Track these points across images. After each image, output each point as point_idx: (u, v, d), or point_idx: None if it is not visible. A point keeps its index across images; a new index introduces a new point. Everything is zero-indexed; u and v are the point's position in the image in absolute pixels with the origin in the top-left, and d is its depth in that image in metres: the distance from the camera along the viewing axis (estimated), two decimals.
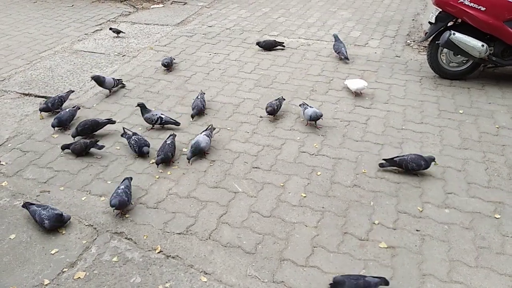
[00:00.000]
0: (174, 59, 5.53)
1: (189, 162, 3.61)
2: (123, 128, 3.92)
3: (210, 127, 3.87)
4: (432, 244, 2.78)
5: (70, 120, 4.17)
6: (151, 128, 4.15)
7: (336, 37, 5.71)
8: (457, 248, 2.75)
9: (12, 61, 5.78)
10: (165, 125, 4.15)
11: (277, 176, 3.45)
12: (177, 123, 4.14)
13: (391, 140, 3.88)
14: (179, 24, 7.23)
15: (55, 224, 2.89)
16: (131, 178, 3.26)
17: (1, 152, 3.82)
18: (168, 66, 5.33)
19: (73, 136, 3.90)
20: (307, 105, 4.16)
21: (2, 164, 3.64)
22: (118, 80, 4.87)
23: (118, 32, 6.57)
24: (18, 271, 2.64)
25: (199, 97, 4.41)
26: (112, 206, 2.94)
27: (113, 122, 4.10)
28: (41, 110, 4.34)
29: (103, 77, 4.68)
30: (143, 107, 4.14)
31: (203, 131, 3.79)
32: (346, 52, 5.52)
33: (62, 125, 4.10)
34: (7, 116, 4.43)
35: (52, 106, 4.35)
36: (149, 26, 7.12)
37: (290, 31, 6.70)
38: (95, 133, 4.03)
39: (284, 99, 4.39)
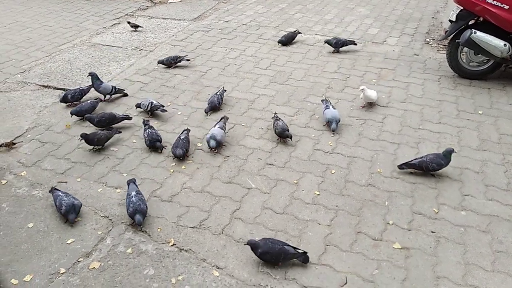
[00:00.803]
0: (182, 59, 5.29)
1: (213, 150, 3.65)
2: (143, 119, 3.98)
3: (223, 118, 3.89)
4: (448, 246, 2.74)
5: (90, 112, 4.21)
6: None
7: (335, 38, 5.71)
8: (473, 251, 2.71)
9: (32, 53, 5.89)
10: (154, 111, 4.29)
11: (291, 173, 3.44)
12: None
13: (408, 140, 3.83)
14: (196, 19, 7.25)
15: (70, 212, 2.93)
16: (135, 180, 3.21)
17: (21, 143, 3.90)
18: (168, 64, 5.30)
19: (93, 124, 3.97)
20: (329, 103, 4.11)
21: (17, 149, 3.72)
22: (118, 89, 4.61)
23: (136, 26, 6.62)
24: (36, 259, 2.70)
25: (217, 93, 4.41)
26: (139, 224, 2.86)
27: (129, 118, 4.12)
28: (61, 101, 4.44)
29: (101, 82, 4.51)
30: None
31: (217, 123, 3.80)
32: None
33: (81, 115, 4.16)
34: (27, 107, 4.51)
35: (72, 98, 4.42)
36: (166, 21, 7.16)
37: (307, 27, 6.65)
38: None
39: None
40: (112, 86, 4.56)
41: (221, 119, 3.88)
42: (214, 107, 4.30)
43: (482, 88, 4.71)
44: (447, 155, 3.29)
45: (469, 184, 3.28)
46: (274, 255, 2.57)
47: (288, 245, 2.61)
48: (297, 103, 4.49)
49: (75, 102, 4.45)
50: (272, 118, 3.97)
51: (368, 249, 2.74)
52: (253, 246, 2.59)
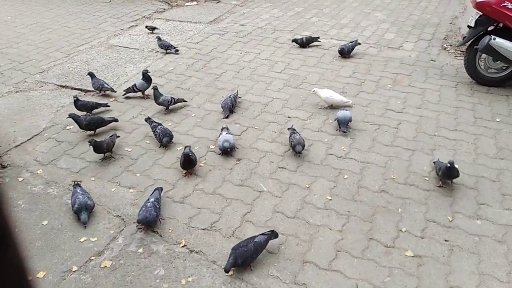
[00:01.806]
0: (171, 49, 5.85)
1: (221, 153, 3.67)
2: (148, 117, 4.03)
3: (224, 128, 3.86)
4: (461, 256, 2.69)
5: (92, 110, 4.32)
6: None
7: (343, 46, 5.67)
8: (488, 261, 2.65)
9: (51, 54, 6.01)
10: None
11: (303, 178, 3.43)
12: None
13: (423, 146, 3.78)
14: (212, 22, 7.30)
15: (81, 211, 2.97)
16: (161, 189, 3.20)
17: (38, 141, 3.98)
18: (167, 48, 5.83)
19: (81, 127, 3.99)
20: (346, 108, 4.18)
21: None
22: (178, 99, 4.47)
23: (153, 28, 6.70)
24: (49, 256, 2.75)
25: (231, 96, 4.41)
26: (138, 222, 2.89)
27: (116, 120, 4.12)
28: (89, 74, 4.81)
29: (160, 94, 4.39)
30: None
31: (223, 132, 3.78)
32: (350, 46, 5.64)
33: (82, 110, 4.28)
34: (45, 106, 4.60)
35: (97, 87, 4.70)
36: (183, 23, 7.23)
37: (322, 32, 6.64)
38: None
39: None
40: (171, 97, 4.39)
41: (222, 129, 3.86)
42: (229, 109, 4.31)
43: (500, 96, 4.62)
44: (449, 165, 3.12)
45: (485, 192, 3.22)
46: (254, 255, 2.60)
47: (256, 236, 2.67)
48: (311, 107, 4.48)
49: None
50: (289, 129, 3.83)
51: (380, 256, 2.70)
52: (234, 265, 2.54)
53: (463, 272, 2.58)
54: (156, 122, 3.94)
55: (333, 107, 4.39)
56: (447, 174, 3.18)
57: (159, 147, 3.83)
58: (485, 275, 2.56)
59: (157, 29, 6.77)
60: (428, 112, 4.33)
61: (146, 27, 6.81)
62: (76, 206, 2.97)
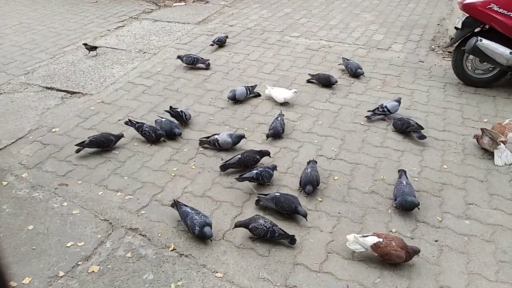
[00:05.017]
0: (203, 61, 5.35)
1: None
2: (128, 119, 3.94)
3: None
4: (451, 256, 2.71)
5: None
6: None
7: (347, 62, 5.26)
8: (477, 261, 2.67)
9: (36, 55, 5.89)
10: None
11: (293, 179, 3.41)
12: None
13: (412, 147, 3.80)
14: (200, 22, 7.25)
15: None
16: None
17: (23, 144, 3.89)
18: (187, 63, 5.36)
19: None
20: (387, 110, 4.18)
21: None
22: (252, 87, 4.65)
23: (93, 48, 5.78)
24: (35, 262, 2.68)
25: (279, 118, 3.97)
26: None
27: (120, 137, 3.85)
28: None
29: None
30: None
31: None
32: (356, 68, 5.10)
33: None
34: (30, 108, 4.51)
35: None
36: (171, 24, 7.17)
37: (311, 33, 6.65)
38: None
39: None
40: (246, 88, 4.58)
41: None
42: (277, 133, 3.90)
43: (488, 96, 4.68)
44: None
45: (473, 193, 3.25)
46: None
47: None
48: (301, 108, 4.47)
49: None
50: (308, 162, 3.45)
51: (370, 257, 2.70)
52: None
53: (453, 272, 2.59)
54: (139, 122, 3.88)
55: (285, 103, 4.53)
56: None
57: (152, 155, 3.77)
58: (474, 274, 2.58)
59: (97, 47, 5.82)
60: (417, 113, 4.36)
61: (84, 44, 5.80)
62: (197, 228, 2.73)
